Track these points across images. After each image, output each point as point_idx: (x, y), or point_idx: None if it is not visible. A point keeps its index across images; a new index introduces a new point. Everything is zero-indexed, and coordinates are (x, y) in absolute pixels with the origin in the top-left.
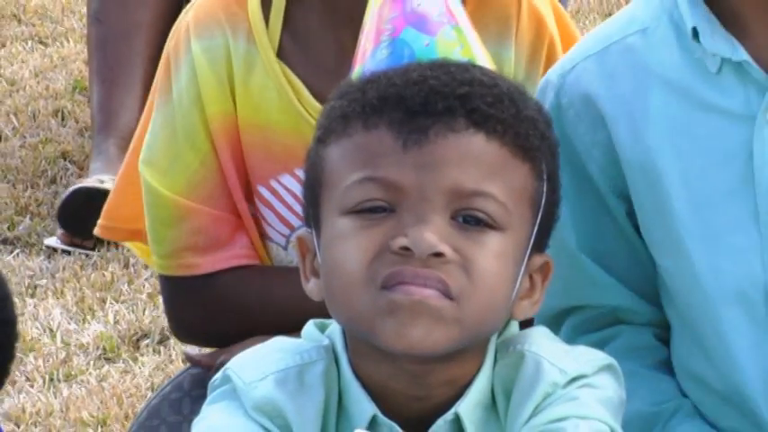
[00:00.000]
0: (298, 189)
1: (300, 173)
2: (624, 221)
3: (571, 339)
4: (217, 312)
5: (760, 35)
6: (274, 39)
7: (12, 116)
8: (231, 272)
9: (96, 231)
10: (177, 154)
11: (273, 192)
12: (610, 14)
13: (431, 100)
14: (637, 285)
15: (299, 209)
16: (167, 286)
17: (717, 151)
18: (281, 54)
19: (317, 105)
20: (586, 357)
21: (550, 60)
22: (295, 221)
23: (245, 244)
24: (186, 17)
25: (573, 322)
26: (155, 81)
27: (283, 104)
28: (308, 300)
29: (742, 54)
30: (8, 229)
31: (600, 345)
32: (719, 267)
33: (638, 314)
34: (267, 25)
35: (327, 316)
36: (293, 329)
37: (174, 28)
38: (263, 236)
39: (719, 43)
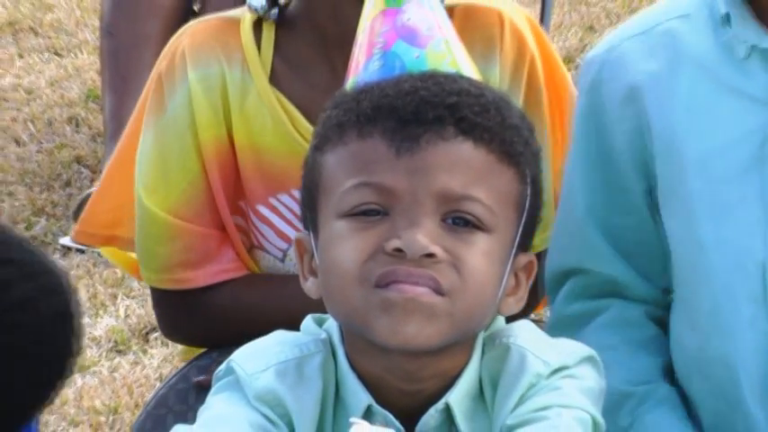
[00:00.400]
0: (295, 207)
1: (297, 192)
2: (640, 199)
3: (568, 302)
4: (208, 321)
5: None
6: (267, 65)
7: (29, 123)
8: (222, 285)
9: (72, 236)
10: (167, 174)
11: (273, 209)
12: (591, 27)
13: (422, 109)
14: (637, 261)
15: (297, 223)
16: (159, 298)
17: (735, 131)
18: (273, 80)
19: (311, 128)
20: (568, 349)
21: (532, 77)
22: (292, 234)
23: (232, 257)
24: (181, 42)
25: (573, 284)
26: (144, 97)
27: (277, 128)
28: (296, 304)
29: None
30: (25, 228)
31: (592, 314)
32: (724, 238)
33: (634, 289)
34: (259, 53)
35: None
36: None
37: (166, 49)
38: (254, 246)
39: (749, 30)
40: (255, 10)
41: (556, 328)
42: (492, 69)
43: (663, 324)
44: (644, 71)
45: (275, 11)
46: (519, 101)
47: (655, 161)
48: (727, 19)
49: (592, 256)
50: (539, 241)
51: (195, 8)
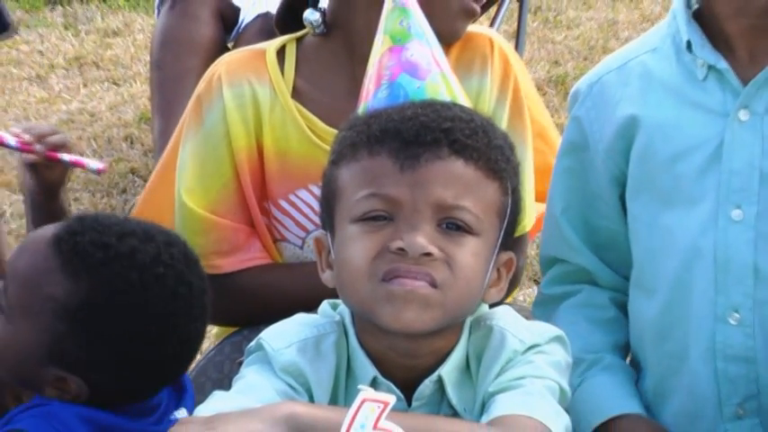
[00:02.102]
0: (312, 201)
1: (314, 188)
2: (612, 205)
3: (551, 284)
4: (238, 303)
5: (738, 51)
6: (289, 84)
7: (92, 140)
8: (248, 270)
9: None
10: (204, 177)
11: (292, 204)
12: (556, 62)
13: (421, 133)
14: (606, 254)
15: (313, 216)
16: None
17: (696, 138)
18: (295, 95)
19: (331, 130)
20: (540, 330)
21: (515, 90)
22: (310, 226)
23: (259, 248)
24: (217, 69)
25: (555, 271)
26: (185, 115)
27: (299, 135)
28: (311, 286)
29: (724, 64)
30: None
31: (566, 295)
32: (686, 225)
33: (603, 277)
34: (282, 74)
35: (328, 298)
36: (301, 310)
37: (205, 76)
38: (277, 239)
39: (707, 53)
40: (310, 23)
41: (539, 305)
42: (485, 83)
43: (626, 309)
44: (622, 96)
45: (323, 26)
46: (506, 109)
47: (629, 164)
48: (688, 45)
49: (567, 249)
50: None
51: (229, 45)
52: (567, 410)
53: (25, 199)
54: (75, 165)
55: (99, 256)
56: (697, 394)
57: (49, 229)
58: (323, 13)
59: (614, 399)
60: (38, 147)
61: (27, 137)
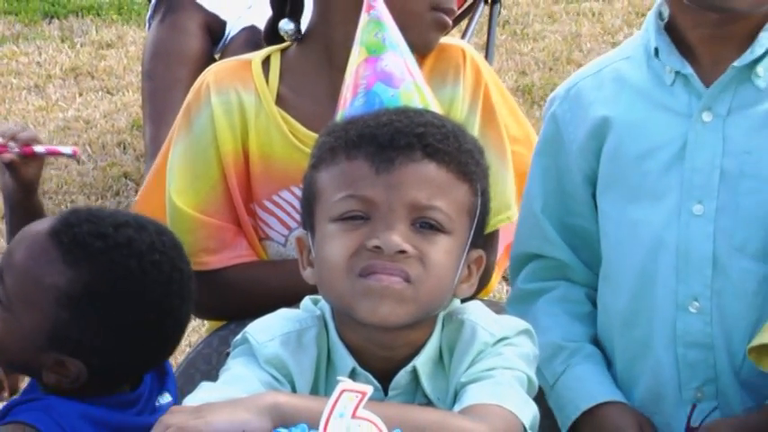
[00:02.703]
0: (294, 201)
1: (295, 189)
2: (587, 202)
3: (528, 280)
4: (224, 298)
5: (702, 58)
6: (273, 92)
7: (87, 146)
8: (234, 267)
9: None
10: (193, 179)
11: (276, 204)
12: (523, 72)
13: (396, 138)
14: (581, 252)
15: (295, 215)
16: None
17: (663, 137)
18: (278, 102)
19: (312, 135)
20: (509, 324)
21: (486, 97)
22: (292, 224)
23: (245, 246)
24: (206, 78)
25: (531, 268)
26: (176, 122)
27: (282, 139)
28: (293, 283)
29: (689, 69)
30: None
31: (544, 290)
32: (650, 220)
33: (578, 273)
34: (267, 83)
35: (309, 293)
36: (284, 305)
37: (194, 85)
38: (262, 238)
39: (674, 59)
40: (285, 32)
41: (516, 300)
42: (458, 91)
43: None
44: (596, 99)
45: (298, 35)
46: (477, 115)
47: (600, 162)
48: (656, 52)
49: (547, 245)
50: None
51: (216, 57)
52: (535, 399)
53: (4, 200)
54: (50, 153)
55: (98, 245)
56: (660, 379)
57: (44, 223)
58: (297, 23)
59: (600, 386)
60: (11, 144)
61: (0, 139)
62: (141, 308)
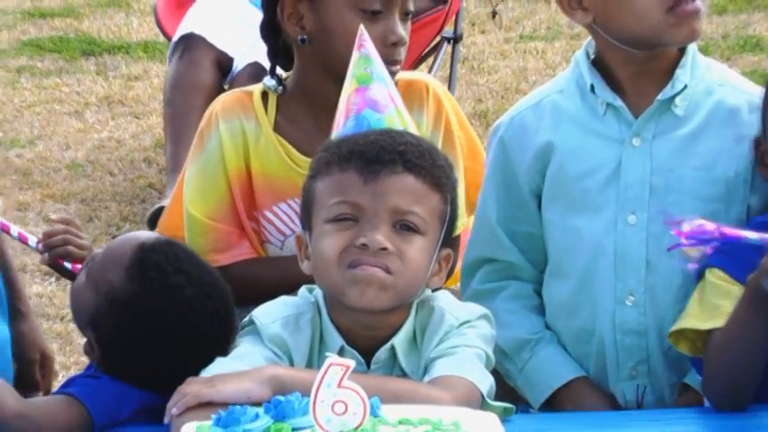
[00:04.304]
0: (290, 212)
1: (291, 202)
2: (533, 212)
3: (482, 282)
4: (232, 288)
5: (628, 91)
6: (271, 120)
7: (118, 161)
8: (239, 263)
9: None
10: (204, 192)
11: (275, 214)
12: (480, 100)
13: (381, 154)
14: (528, 253)
15: (290, 224)
16: None
17: (599, 159)
18: (276, 129)
19: (303, 158)
20: (471, 310)
21: (447, 124)
22: (287, 232)
23: (248, 246)
24: (215, 107)
25: (485, 271)
26: (192, 146)
27: (279, 160)
28: (285, 276)
29: (620, 102)
30: (116, 230)
31: (499, 290)
32: (591, 228)
33: (526, 272)
34: (266, 111)
35: (299, 285)
36: (279, 294)
37: (206, 113)
38: (263, 241)
39: (606, 94)
40: (269, 87)
41: (473, 300)
42: (422, 118)
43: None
44: (537, 128)
45: (280, 88)
46: (440, 138)
47: (545, 180)
48: (592, 88)
49: (500, 250)
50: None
51: (225, 87)
52: (492, 372)
53: None
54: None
55: (153, 275)
56: (604, 359)
57: (142, 235)
58: (279, 78)
59: (565, 365)
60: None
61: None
62: (157, 340)
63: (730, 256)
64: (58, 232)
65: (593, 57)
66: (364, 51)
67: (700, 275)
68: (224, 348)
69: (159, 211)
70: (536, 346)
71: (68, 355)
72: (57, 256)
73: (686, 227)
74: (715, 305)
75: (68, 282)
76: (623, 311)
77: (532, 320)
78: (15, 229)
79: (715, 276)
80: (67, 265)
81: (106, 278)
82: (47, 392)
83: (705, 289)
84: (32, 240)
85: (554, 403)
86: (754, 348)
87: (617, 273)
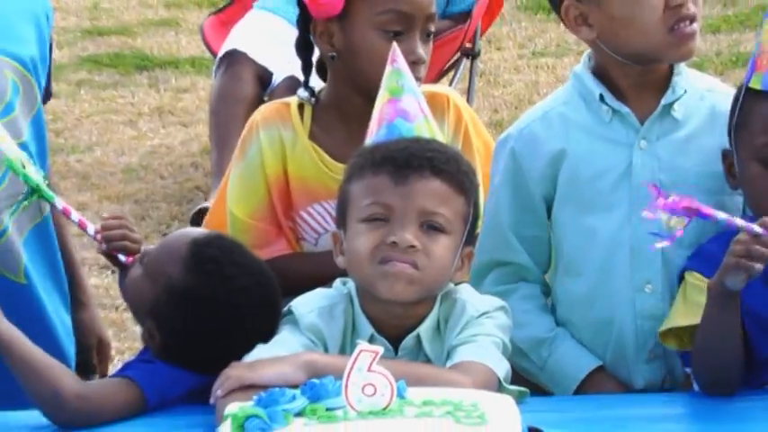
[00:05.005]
0: (323, 212)
1: (324, 204)
2: (542, 216)
3: (494, 284)
4: None
5: (631, 99)
6: (306, 129)
7: (168, 166)
8: (278, 258)
9: None
10: (245, 194)
11: (309, 214)
12: (495, 110)
13: (410, 160)
14: (537, 256)
15: (324, 224)
16: None
17: (608, 162)
18: (311, 137)
19: (335, 163)
20: (490, 302)
21: (466, 134)
22: (321, 230)
23: (285, 243)
24: (255, 117)
25: (495, 274)
26: (234, 152)
27: (313, 166)
28: (320, 270)
29: (626, 109)
30: (166, 228)
31: (510, 291)
32: (606, 226)
33: (533, 273)
34: (302, 121)
35: (332, 278)
36: (314, 287)
37: (248, 123)
38: (299, 239)
39: (613, 103)
40: (303, 98)
41: None
42: (444, 128)
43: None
44: (547, 137)
45: (313, 99)
46: (459, 146)
47: (557, 184)
48: (601, 97)
49: (511, 253)
50: None
51: (264, 99)
52: (509, 360)
53: None
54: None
55: (210, 267)
56: (623, 345)
57: (194, 231)
58: (311, 90)
59: (584, 358)
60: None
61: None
62: (214, 326)
63: (706, 261)
64: (115, 226)
65: (592, 68)
66: (396, 66)
67: (680, 279)
68: (272, 333)
69: (200, 211)
70: (553, 344)
71: (123, 341)
72: (114, 249)
73: (666, 200)
74: (697, 302)
75: None
76: (642, 298)
77: (545, 319)
78: (76, 215)
79: (694, 278)
80: (121, 257)
81: (164, 271)
82: (103, 375)
83: (686, 290)
84: (91, 228)
85: (577, 393)
86: (728, 341)
87: (633, 266)
